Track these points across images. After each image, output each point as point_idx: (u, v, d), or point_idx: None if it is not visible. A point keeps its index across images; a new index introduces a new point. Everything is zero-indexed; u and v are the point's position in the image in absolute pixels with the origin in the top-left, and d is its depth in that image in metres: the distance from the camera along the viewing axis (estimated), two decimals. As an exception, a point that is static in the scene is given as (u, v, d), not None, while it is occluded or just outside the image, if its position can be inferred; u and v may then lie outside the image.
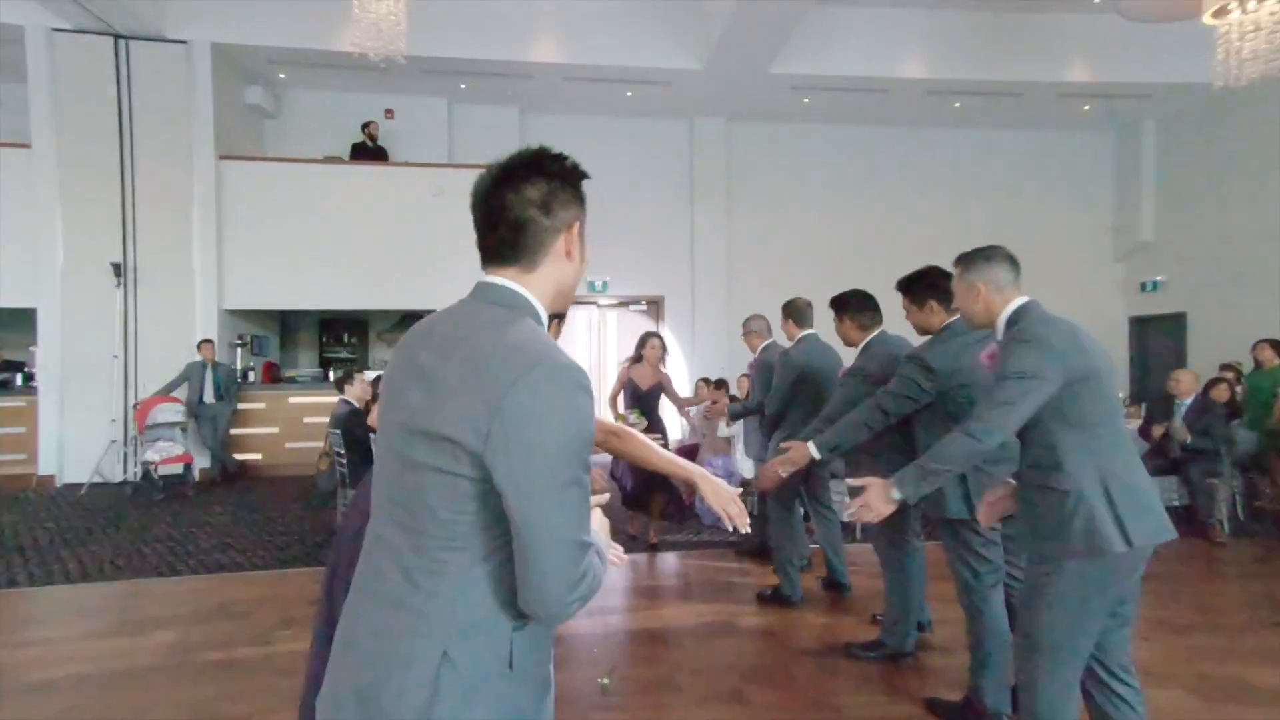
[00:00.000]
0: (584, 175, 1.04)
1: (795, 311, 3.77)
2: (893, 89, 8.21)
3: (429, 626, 0.88)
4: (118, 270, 6.99)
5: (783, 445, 2.88)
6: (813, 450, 2.62)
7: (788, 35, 7.12)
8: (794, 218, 9.48)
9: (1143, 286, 9.28)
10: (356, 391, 4.98)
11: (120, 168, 7.16)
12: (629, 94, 8.51)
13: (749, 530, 1.33)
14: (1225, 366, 6.33)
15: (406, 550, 0.91)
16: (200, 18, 7.20)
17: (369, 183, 7.91)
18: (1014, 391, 1.67)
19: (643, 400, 4.87)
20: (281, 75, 8.16)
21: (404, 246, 7.78)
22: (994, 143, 9.57)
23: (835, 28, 7.71)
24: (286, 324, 9.32)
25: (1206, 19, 5.43)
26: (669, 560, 4.57)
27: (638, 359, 4.93)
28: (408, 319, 9.00)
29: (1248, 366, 6.31)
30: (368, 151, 8.19)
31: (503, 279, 0.98)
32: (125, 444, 7.02)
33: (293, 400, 7.80)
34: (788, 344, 3.86)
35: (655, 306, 9.44)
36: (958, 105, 8.71)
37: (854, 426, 2.59)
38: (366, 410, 5.08)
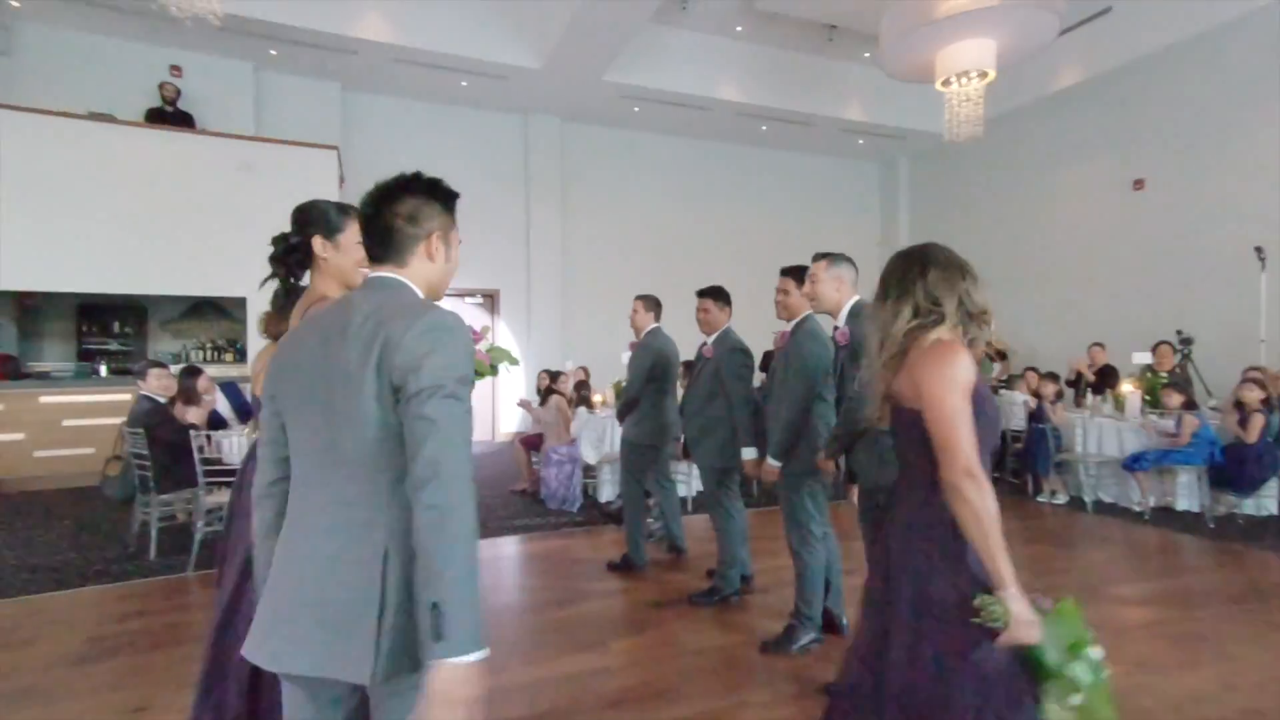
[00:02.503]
0: (447, 191, 1.29)
1: (654, 304, 4.13)
2: (712, 108, 9.09)
3: (370, 534, 1.08)
4: None
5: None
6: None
7: (622, 46, 7.56)
8: (627, 219, 10.03)
9: (902, 293, 11.32)
10: (156, 385, 4.39)
11: None
12: (464, 84, 8.38)
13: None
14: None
15: (340, 481, 1.11)
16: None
17: (156, 150, 6.86)
18: None
19: None
20: (14, 3, 6.69)
21: (200, 226, 6.89)
22: (793, 164, 11.00)
23: (664, 45, 8.35)
24: (29, 308, 7.69)
25: (938, 85, 6.90)
26: (521, 541, 4.71)
27: None
28: (202, 307, 7.96)
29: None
30: (166, 118, 7.08)
31: (384, 272, 1.22)
32: None
33: (45, 400, 6.50)
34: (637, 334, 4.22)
35: (491, 300, 9.39)
36: (764, 129, 9.89)
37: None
38: (172, 404, 4.51)
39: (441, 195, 1.27)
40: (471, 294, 9.31)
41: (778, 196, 10.92)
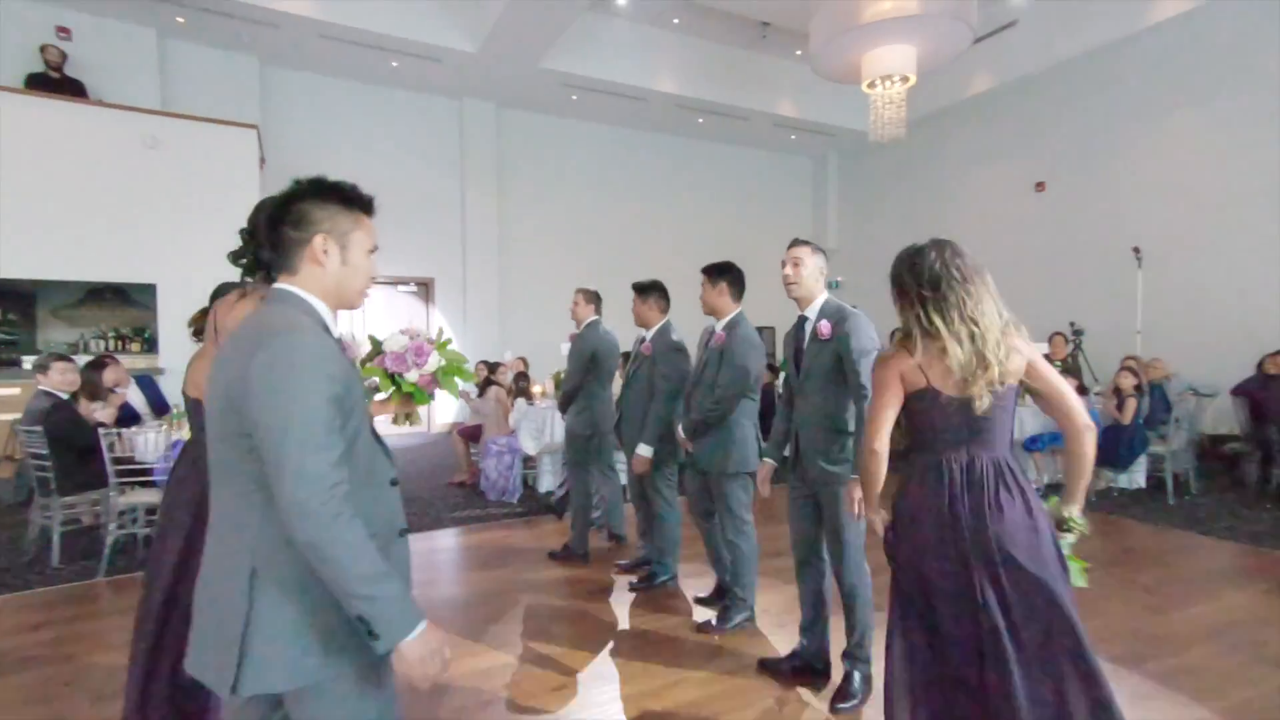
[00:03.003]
0: (344, 193, 1.24)
1: (593, 297, 4.18)
2: (649, 99, 9.15)
3: (239, 552, 1.13)
4: None
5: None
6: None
7: (559, 33, 7.50)
8: (565, 207, 9.99)
9: (830, 284, 11.80)
10: (59, 380, 4.09)
11: None
12: (395, 65, 8.09)
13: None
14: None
15: (227, 496, 1.17)
16: None
17: (43, 120, 6.27)
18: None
19: None
20: None
21: (99, 205, 6.38)
22: (728, 157, 11.23)
23: (602, 34, 8.33)
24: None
25: (864, 88, 7.24)
26: (462, 533, 4.70)
27: None
28: (102, 293, 7.37)
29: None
30: (51, 84, 6.48)
31: (280, 283, 1.23)
32: None
33: (-87, 395, 5.91)
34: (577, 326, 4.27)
35: (425, 288, 9.16)
36: (701, 121, 10.04)
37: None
38: (75, 399, 4.22)
39: (336, 196, 1.23)
40: (404, 282, 9.05)
41: (714, 188, 11.14)
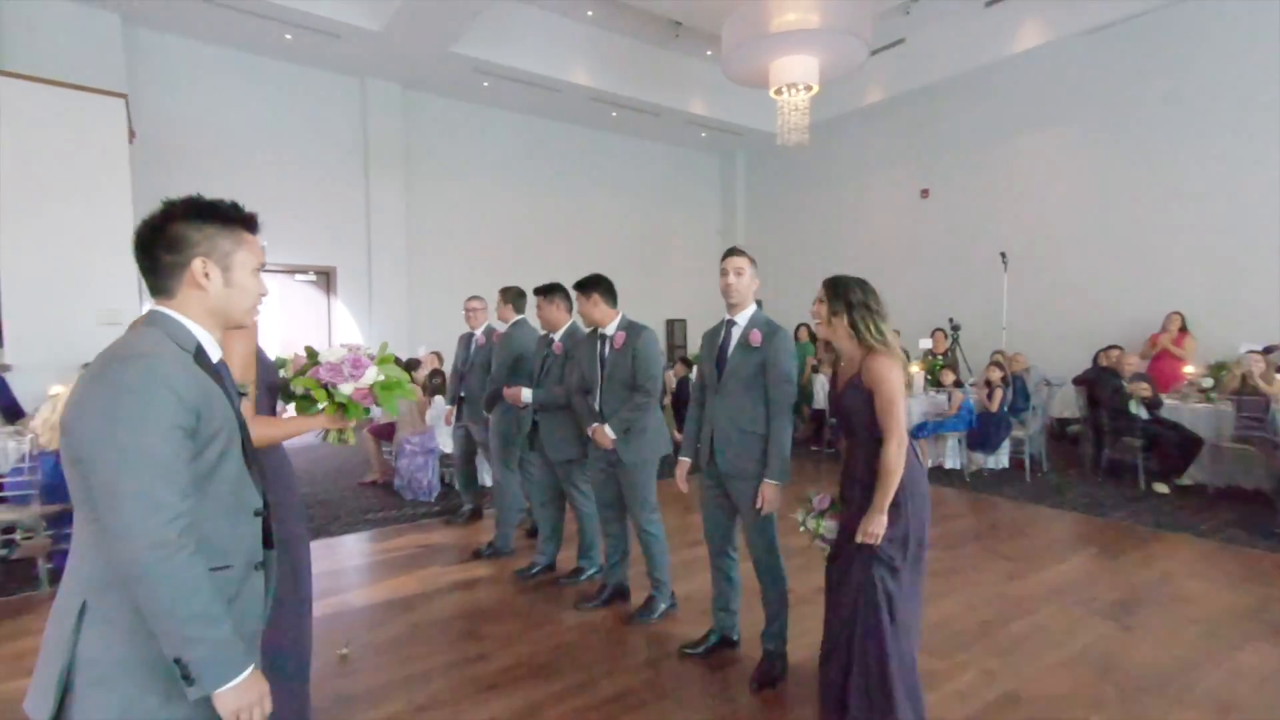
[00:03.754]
0: (210, 207, 1.18)
1: (514, 296, 4.19)
2: (563, 90, 9.11)
3: (75, 582, 1.09)
4: None
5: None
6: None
7: (471, 18, 7.31)
8: (477, 196, 9.76)
9: (737, 278, 12.32)
10: None
11: None
12: (288, 36, 7.56)
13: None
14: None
15: (77, 528, 1.12)
16: None
17: None
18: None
19: None
20: None
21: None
22: (641, 151, 11.38)
23: (516, 22, 8.19)
24: None
25: (772, 93, 7.62)
26: (378, 536, 4.60)
27: None
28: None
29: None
30: None
31: (157, 306, 1.19)
32: None
33: None
34: (501, 326, 4.28)
35: (326, 278, 8.69)
36: (614, 115, 10.12)
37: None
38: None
39: (214, 216, 1.18)
40: (303, 270, 8.54)
41: (626, 182, 11.26)
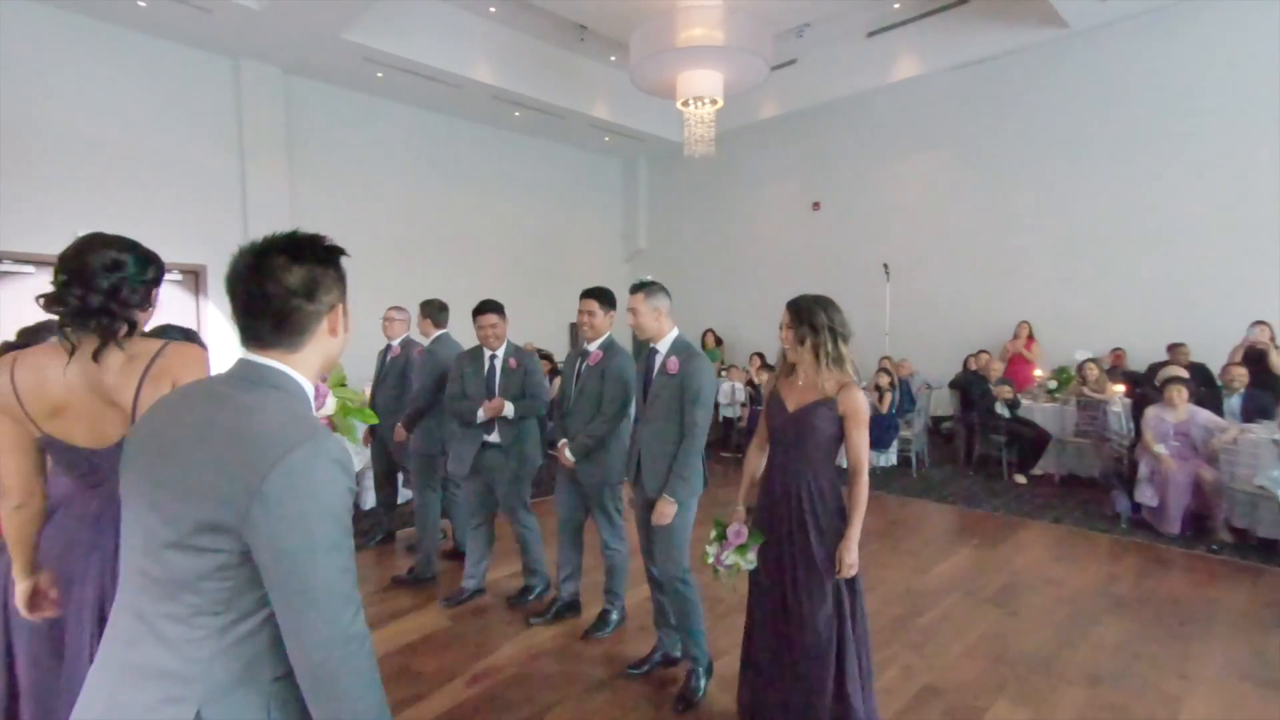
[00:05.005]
0: (342, 253, 1.12)
1: (435, 310, 4.00)
2: (464, 86, 8.77)
3: (184, 690, 0.93)
4: None
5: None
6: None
7: (363, 4, 6.86)
8: (370, 193, 9.16)
9: (640, 282, 12.50)
10: None
11: None
12: (141, 4, 6.68)
13: None
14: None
15: (161, 619, 0.95)
16: None
17: None
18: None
19: None
20: None
21: None
22: (545, 153, 11.20)
23: (413, 13, 7.77)
24: None
25: (679, 105, 7.81)
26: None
27: None
28: None
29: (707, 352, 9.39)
30: None
31: (266, 359, 1.03)
32: None
33: None
34: (423, 340, 4.09)
35: (194, 277, 7.80)
36: (518, 115, 9.89)
37: None
38: None
39: (336, 256, 1.11)
40: (167, 270, 7.59)
41: (529, 183, 11.04)
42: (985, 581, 3.92)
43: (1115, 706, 2.67)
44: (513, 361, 3.48)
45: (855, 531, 2.14)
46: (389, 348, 4.42)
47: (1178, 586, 3.85)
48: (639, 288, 2.78)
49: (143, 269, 1.56)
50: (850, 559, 2.13)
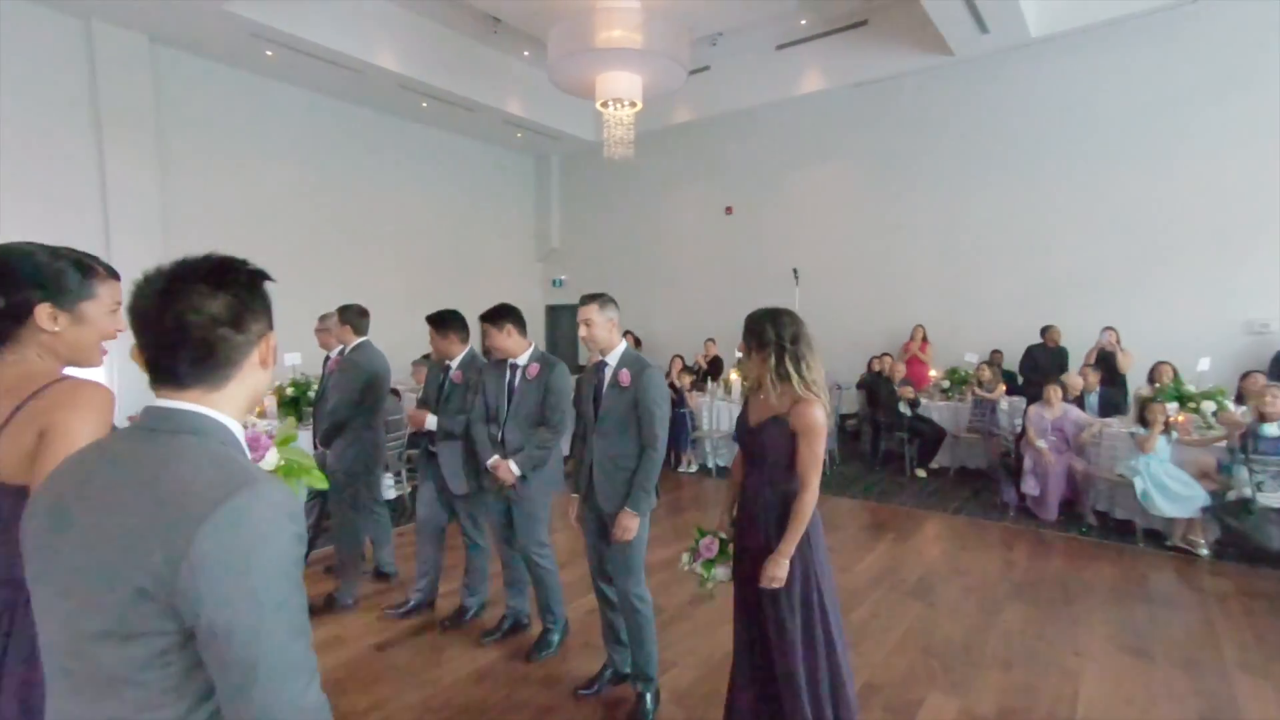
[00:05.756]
0: (267, 278, 0.99)
1: (354, 316, 3.72)
2: (367, 72, 8.22)
3: None
4: None
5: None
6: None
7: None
8: (260, 182, 8.37)
9: (554, 282, 12.30)
10: None
11: None
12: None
13: None
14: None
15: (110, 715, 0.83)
16: None
17: None
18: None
19: None
20: None
21: None
22: (455, 147, 10.74)
23: (310, -11, 7.17)
24: None
25: (598, 106, 7.75)
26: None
27: None
28: None
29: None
30: None
31: (183, 403, 0.90)
32: None
33: None
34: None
35: (44, 273, 6.76)
36: (425, 105, 9.40)
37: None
38: None
39: (261, 281, 0.97)
40: None
41: (438, 178, 10.56)
42: (904, 575, 4.18)
43: (1027, 687, 2.93)
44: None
45: (788, 546, 2.11)
46: (328, 359, 4.04)
47: (1061, 568, 4.29)
48: (592, 299, 2.69)
49: None
50: (773, 572, 2.09)
